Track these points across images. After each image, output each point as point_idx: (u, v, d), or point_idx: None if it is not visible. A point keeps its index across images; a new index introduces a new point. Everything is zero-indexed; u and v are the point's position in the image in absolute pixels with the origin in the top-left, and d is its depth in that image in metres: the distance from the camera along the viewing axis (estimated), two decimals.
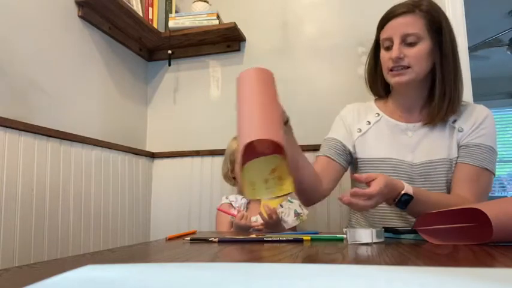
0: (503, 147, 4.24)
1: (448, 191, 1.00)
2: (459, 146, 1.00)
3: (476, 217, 0.61)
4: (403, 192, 0.84)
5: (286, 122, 0.82)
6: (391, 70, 1.00)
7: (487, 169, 0.96)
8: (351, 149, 1.10)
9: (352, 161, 1.13)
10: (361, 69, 1.49)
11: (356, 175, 0.84)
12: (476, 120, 1.01)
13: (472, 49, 3.30)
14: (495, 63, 3.86)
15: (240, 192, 1.40)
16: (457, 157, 1.00)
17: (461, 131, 1.01)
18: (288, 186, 0.64)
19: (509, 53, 3.58)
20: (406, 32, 0.97)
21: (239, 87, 0.67)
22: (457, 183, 0.97)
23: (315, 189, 1.00)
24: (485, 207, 0.58)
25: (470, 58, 1.53)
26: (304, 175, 0.94)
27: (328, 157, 1.08)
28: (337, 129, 1.13)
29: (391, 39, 0.99)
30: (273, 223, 1.16)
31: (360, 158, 1.08)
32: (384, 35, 1.02)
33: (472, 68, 1.46)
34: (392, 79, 1.01)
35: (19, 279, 0.38)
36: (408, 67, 0.98)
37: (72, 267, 0.35)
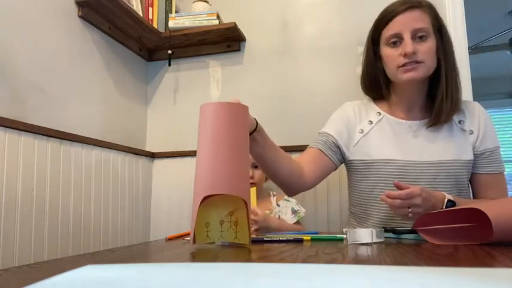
0: (503, 147, 4.24)
1: (457, 192, 1.00)
2: (476, 153, 1.02)
3: (476, 217, 0.61)
4: (446, 199, 0.87)
5: (255, 129, 0.81)
6: (403, 66, 0.97)
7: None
8: (345, 150, 1.08)
9: (344, 161, 1.12)
10: (361, 70, 1.49)
11: (397, 182, 0.84)
12: (480, 119, 1.04)
13: (472, 49, 3.30)
14: (495, 63, 3.86)
15: None
16: (473, 161, 1.02)
17: (472, 134, 1.02)
18: (243, 237, 0.62)
19: (509, 53, 3.58)
20: (417, 26, 0.95)
21: (200, 124, 0.62)
22: (485, 190, 1.03)
23: (293, 182, 1.00)
24: (485, 207, 0.58)
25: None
26: (281, 170, 0.95)
27: (320, 150, 1.07)
28: (334, 126, 1.10)
29: (399, 35, 0.97)
30: (262, 219, 1.09)
31: (363, 160, 1.06)
32: (390, 31, 0.99)
33: (472, 68, 1.46)
34: (404, 75, 0.97)
35: (19, 279, 0.38)
36: (421, 62, 0.95)
37: (72, 267, 0.35)
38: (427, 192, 0.83)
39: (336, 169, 1.11)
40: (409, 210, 0.81)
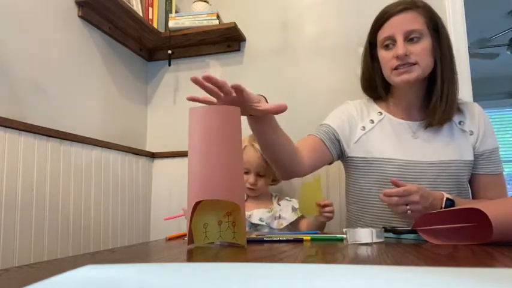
0: (503, 147, 4.24)
1: (457, 192, 1.00)
2: (476, 154, 1.02)
3: (476, 217, 0.61)
4: (445, 198, 0.87)
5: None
6: (396, 69, 0.97)
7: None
8: (345, 145, 1.08)
9: (342, 157, 1.12)
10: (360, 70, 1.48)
11: (394, 179, 0.85)
12: (480, 120, 1.04)
13: (472, 49, 3.30)
14: (495, 63, 3.86)
15: None
16: (473, 161, 1.02)
17: (472, 134, 1.02)
18: (240, 238, 0.62)
19: (509, 53, 3.58)
20: (409, 28, 0.95)
21: (190, 128, 0.61)
22: (484, 191, 1.03)
23: (291, 167, 0.98)
24: (485, 207, 0.58)
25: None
26: (281, 153, 0.93)
27: (322, 140, 1.06)
28: (336, 120, 1.10)
29: (392, 38, 0.97)
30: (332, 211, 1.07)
31: (364, 157, 1.06)
32: (384, 33, 0.99)
33: (472, 68, 1.46)
34: (398, 78, 0.97)
35: (19, 279, 0.38)
36: (415, 63, 0.95)
37: (72, 267, 0.35)
38: (425, 191, 0.83)
39: (331, 163, 1.11)
40: (408, 207, 0.81)
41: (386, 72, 1.01)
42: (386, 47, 0.99)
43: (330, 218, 1.08)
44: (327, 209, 1.05)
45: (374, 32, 1.04)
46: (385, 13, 1.00)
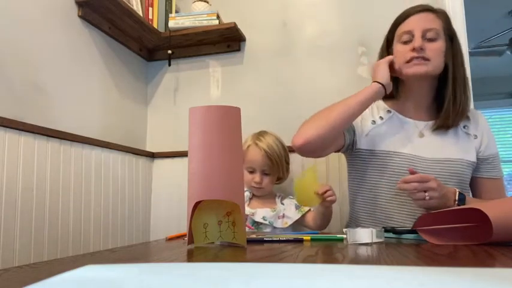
0: (503, 147, 4.24)
1: (460, 190, 1.01)
2: (479, 158, 1.06)
3: (476, 217, 0.61)
4: (457, 191, 0.93)
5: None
6: (409, 61, 1.00)
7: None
8: (357, 137, 1.10)
9: (352, 149, 1.13)
10: (361, 69, 1.49)
11: (411, 168, 0.92)
12: (484, 126, 1.09)
13: (472, 49, 3.30)
14: (495, 63, 3.86)
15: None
16: (476, 164, 1.05)
17: (476, 138, 1.07)
18: (240, 238, 0.62)
19: (509, 53, 3.58)
20: (428, 26, 1.00)
21: (190, 128, 0.61)
22: (486, 193, 1.07)
23: (334, 139, 1.04)
24: (485, 207, 0.58)
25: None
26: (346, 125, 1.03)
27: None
28: None
29: (411, 33, 1.01)
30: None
31: (372, 150, 1.08)
32: (403, 28, 1.04)
33: (472, 68, 1.46)
34: (409, 69, 1.01)
35: (19, 279, 0.38)
36: (428, 59, 0.99)
37: (72, 267, 0.35)
38: (439, 181, 0.89)
39: (338, 151, 1.13)
40: (426, 194, 0.86)
41: (399, 65, 1.04)
42: (405, 41, 1.03)
43: (333, 201, 1.08)
44: (328, 193, 1.05)
45: (392, 30, 1.09)
46: (406, 12, 1.06)
